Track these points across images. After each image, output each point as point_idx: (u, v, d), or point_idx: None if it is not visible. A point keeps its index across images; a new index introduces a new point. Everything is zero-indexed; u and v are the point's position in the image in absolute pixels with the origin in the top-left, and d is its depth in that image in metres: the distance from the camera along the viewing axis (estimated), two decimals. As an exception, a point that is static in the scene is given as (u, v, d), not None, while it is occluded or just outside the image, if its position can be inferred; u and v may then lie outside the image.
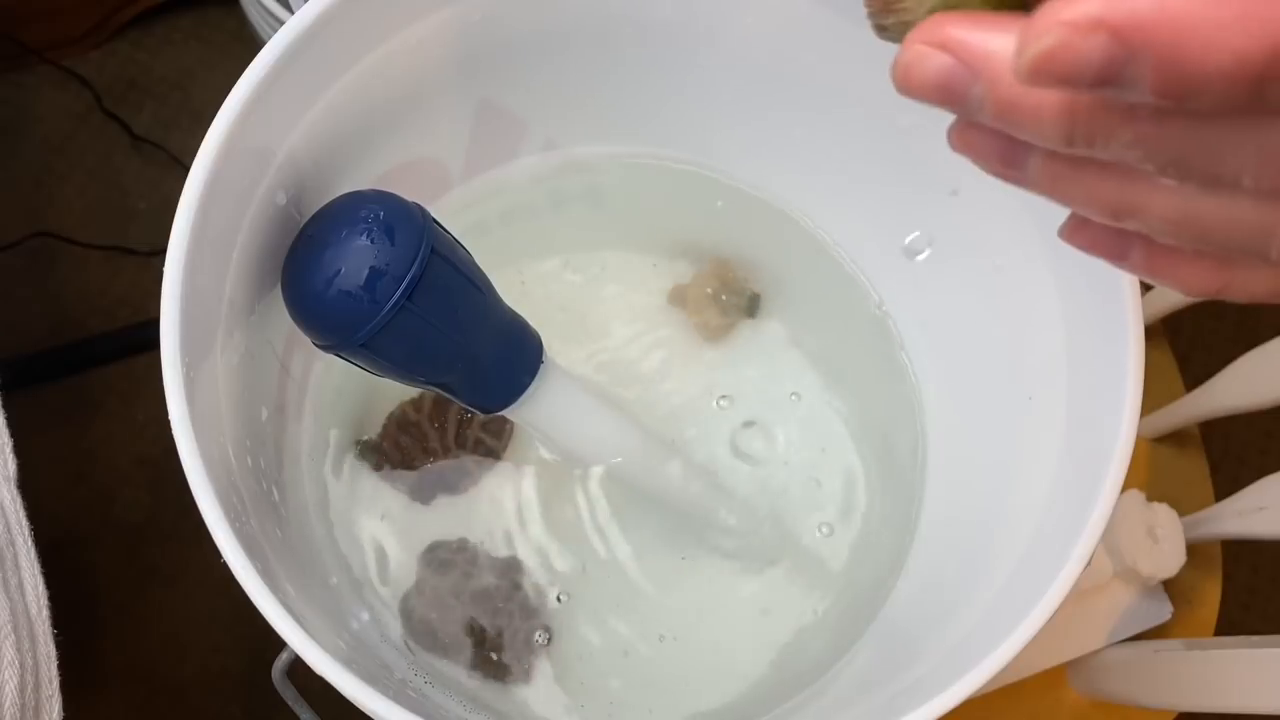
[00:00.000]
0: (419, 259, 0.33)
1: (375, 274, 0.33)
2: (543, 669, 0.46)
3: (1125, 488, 0.39)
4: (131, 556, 0.83)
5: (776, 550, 0.48)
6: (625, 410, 0.47)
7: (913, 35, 0.21)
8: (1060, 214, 0.43)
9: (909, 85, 0.21)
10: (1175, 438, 0.65)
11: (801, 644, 0.47)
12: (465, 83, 0.44)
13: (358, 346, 0.34)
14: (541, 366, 0.40)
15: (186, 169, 0.33)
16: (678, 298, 0.52)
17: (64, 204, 0.91)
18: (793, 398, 0.51)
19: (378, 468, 0.48)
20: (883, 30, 0.23)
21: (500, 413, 0.40)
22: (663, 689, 0.46)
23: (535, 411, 0.40)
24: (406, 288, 0.33)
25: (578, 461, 0.47)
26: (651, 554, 0.48)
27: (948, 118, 0.22)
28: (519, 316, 0.39)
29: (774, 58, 0.44)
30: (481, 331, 0.36)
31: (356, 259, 0.33)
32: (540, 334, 0.41)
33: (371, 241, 0.33)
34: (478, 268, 0.37)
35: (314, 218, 0.35)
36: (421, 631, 0.46)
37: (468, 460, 0.48)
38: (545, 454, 0.49)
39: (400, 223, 0.34)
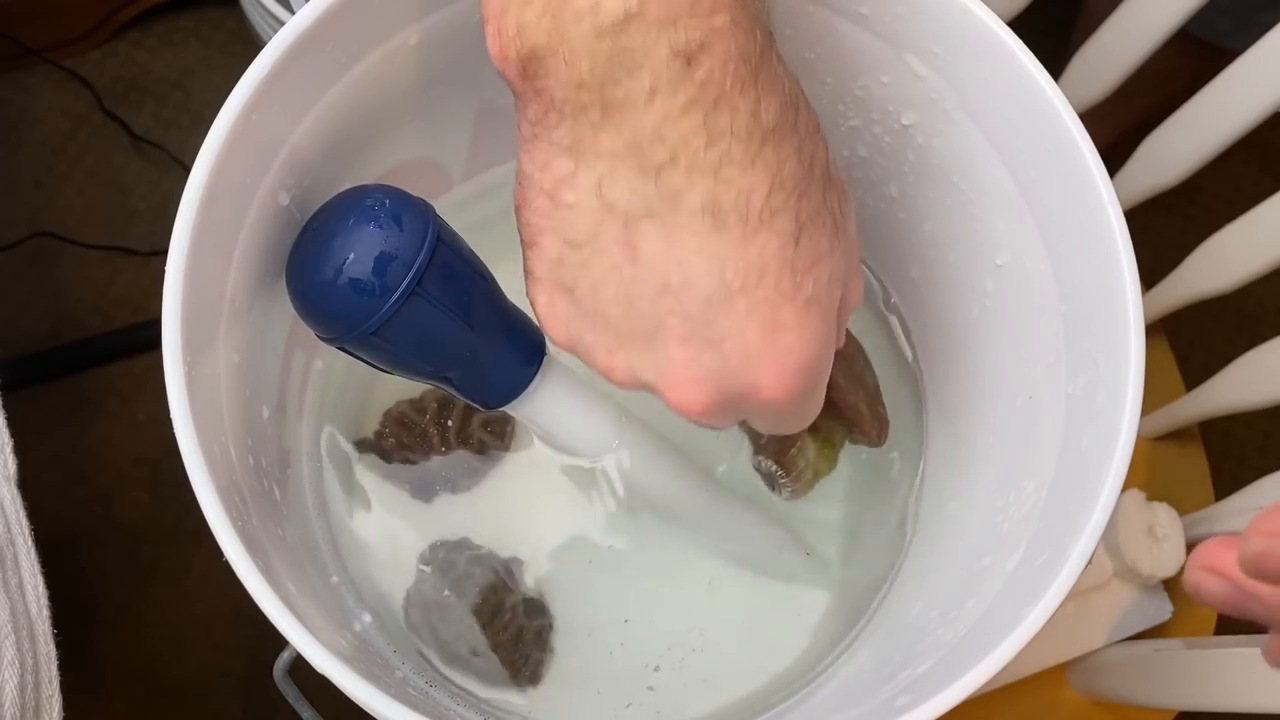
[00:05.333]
0: (427, 244, 0.33)
1: (385, 259, 0.33)
2: (545, 668, 0.46)
3: (1125, 487, 0.39)
4: (131, 556, 0.83)
5: (776, 549, 0.48)
6: (627, 408, 0.47)
7: (1193, 560, 0.27)
8: (1059, 216, 0.43)
9: (1201, 600, 0.28)
10: (1175, 437, 0.65)
11: (802, 643, 0.47)
12: (466, 82, 0.44)
13: (368, 336, 0.34)
14: (544, 361, 0.40)
15: (186, 169, 0.33)
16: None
17: (64, 204, 0.91)
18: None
19: (379, 466, 0.48)
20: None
21: (503, 408, 0.39)
22: (665, 689, 0.46)
23: (538, 407, 0.40)
24: (417, 272, 0.33)
25: (580, 460, 0.47)
26: (653, 554, 0.48)
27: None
28: (522, 311, 0.39)
29: (774, 57, 0.44)
30: (488, 321, 0.36)
31: (365, 246, 0.33)
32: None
33: (380, 228, 0.33)
34: (480, 260, 0.37)
35: (318, 212, 0.35)
36: (423, 630, 0.46)
37: (469, 459, 0.48)
38: (547, 453, 0.49)
39: (406, 210, 0.34)
